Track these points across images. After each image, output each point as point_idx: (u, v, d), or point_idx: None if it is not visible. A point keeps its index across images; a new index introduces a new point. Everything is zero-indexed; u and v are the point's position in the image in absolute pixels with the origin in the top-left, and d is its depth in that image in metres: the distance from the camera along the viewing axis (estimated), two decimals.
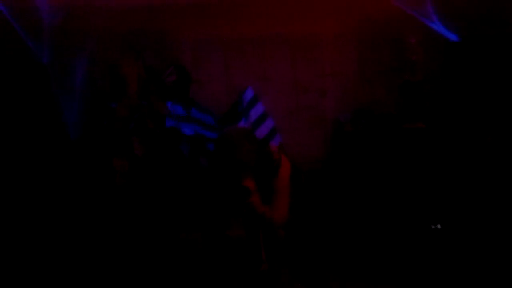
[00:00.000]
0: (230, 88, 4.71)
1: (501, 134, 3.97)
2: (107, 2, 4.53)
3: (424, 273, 3.47)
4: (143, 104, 3.12)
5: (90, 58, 4.68)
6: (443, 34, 4.43)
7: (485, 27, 4.32)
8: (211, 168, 3.49)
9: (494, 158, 3.91)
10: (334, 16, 4.67)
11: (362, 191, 4.14)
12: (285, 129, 4.68)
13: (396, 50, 4.64)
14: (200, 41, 4.88)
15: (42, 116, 4.21)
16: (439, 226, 3.72)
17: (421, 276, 3.45)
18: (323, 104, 4.89)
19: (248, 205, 2.58)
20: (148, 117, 3.07)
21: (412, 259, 3.61)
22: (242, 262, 2.76)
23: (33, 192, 3.83)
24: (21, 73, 4.21)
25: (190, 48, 4.88)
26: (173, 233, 3.26)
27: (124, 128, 3.09)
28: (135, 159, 3.09)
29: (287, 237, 2.71)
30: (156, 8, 4.66)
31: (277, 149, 2.75)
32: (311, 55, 4.87)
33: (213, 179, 2.97)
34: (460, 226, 3.74)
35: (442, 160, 4.02)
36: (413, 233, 3.76)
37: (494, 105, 4.09)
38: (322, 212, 3.54)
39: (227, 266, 3.04)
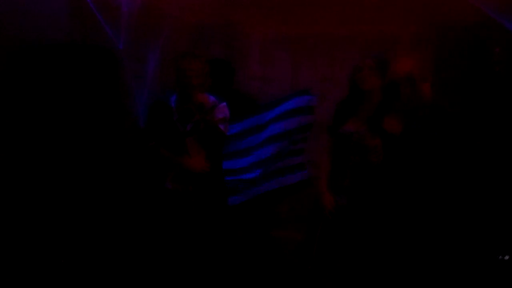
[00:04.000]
0: (296, 87, 4.61)
1: None
2: None
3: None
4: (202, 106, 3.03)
5: (162, 47, 4.78)
6: None
7: None
8: None
9: None
10: (412, 17, 4.37)
11: (411, 199, 3.88)
12: None
13: (478, 59, 4.25)
14: (269, 36, 4.81)
15: (113, 101, 4.36)
16: (506, 257, 3.40)
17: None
18: None
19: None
20: (202, 120, 3.01)
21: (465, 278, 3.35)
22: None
23: (100, 175, 4.03)
24: (95, 58, 4.37)
25: (259, 43, 4.83)
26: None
27: (182, 129, 3.06)
28: None
29: None
30: (227, 1, 4.64)
31: None
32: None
33: None
34: None
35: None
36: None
37: None
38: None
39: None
